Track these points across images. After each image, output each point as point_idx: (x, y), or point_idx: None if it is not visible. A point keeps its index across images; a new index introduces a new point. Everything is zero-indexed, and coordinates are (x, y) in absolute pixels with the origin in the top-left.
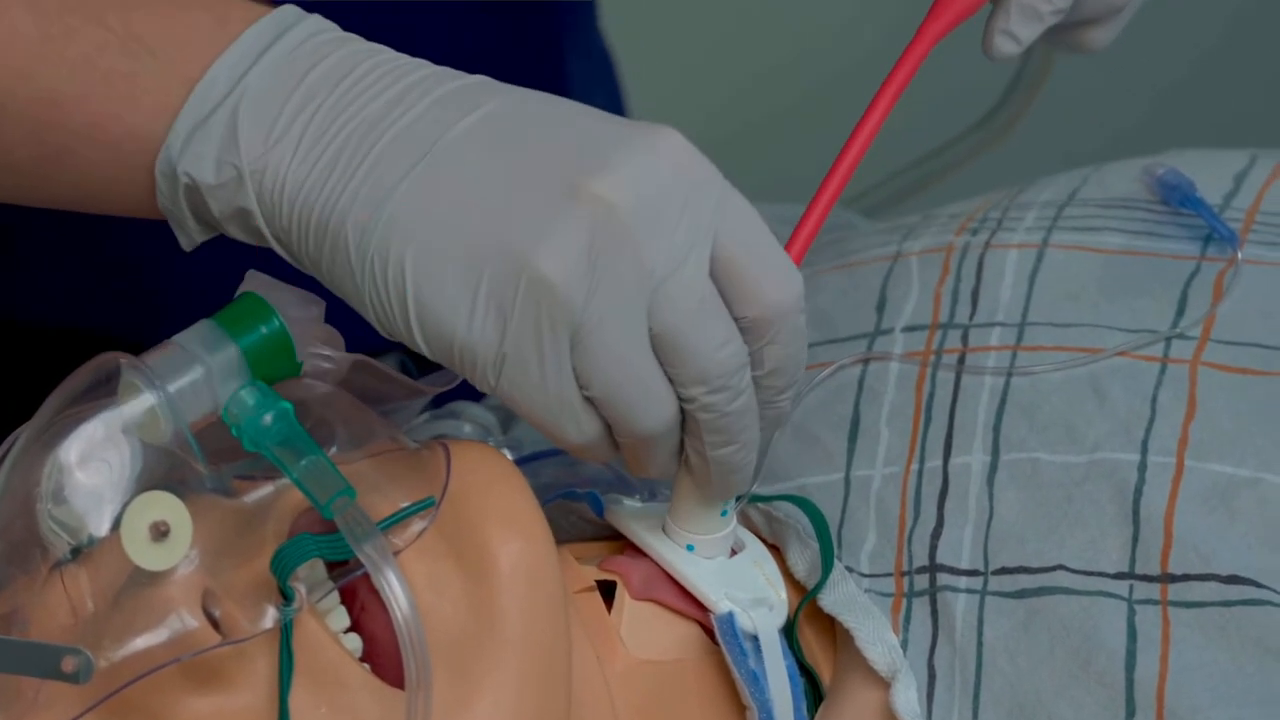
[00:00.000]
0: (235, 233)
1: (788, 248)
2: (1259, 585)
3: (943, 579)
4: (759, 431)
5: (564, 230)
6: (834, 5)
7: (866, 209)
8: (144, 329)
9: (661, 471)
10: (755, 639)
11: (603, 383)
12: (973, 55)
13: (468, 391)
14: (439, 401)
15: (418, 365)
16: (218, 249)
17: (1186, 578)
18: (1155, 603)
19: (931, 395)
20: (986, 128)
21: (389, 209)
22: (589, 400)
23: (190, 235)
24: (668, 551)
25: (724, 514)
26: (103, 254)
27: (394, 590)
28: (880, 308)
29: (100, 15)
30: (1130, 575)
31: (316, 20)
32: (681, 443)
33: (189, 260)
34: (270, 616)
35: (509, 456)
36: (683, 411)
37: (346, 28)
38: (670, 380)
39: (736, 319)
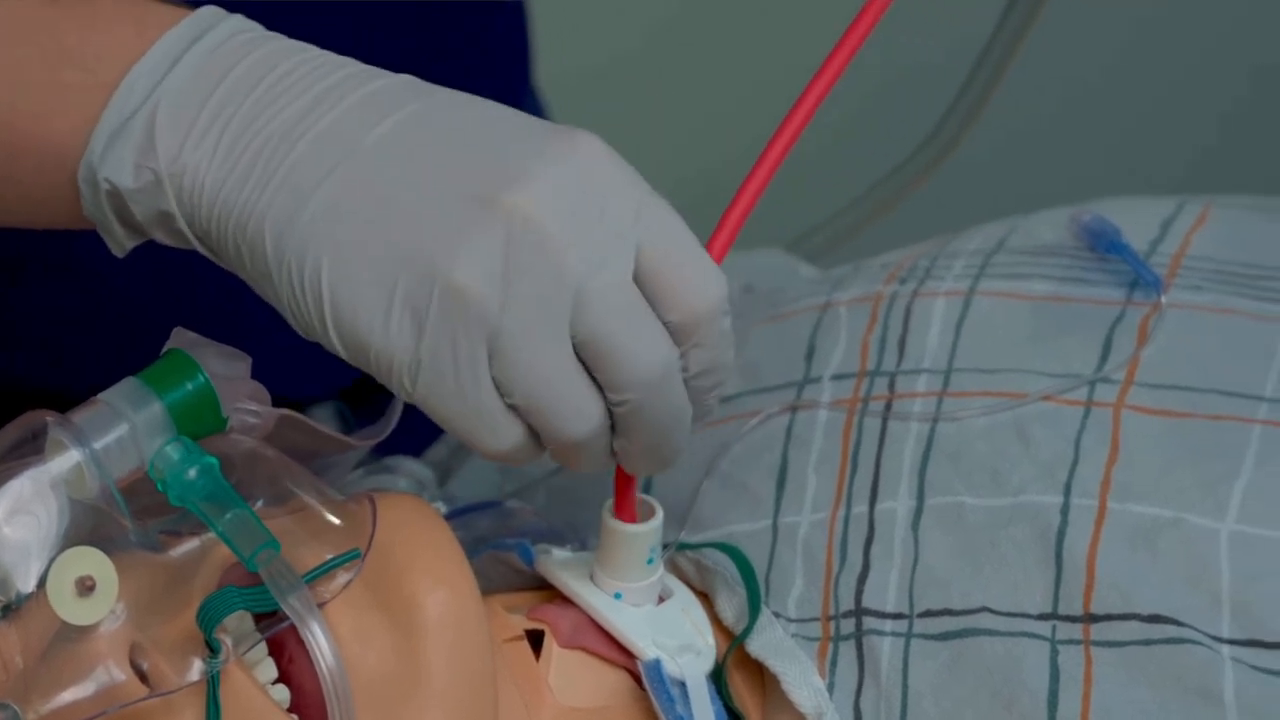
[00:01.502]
0: (160, 236)
1: (709, 246)
2: (1180, 624)
3: (869, 623)
4: (687, 429)
5: (478, 240)
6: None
7: (809, 253)
8: (68, 383)
9: (593, 469)
10: (683, 685)
11: (524, 392)
12: (911, 86)
13: (406, 446)
14: (382, 452)
15: (354, 413)
16: (142, 301)
17: (1109, 617)
18: (1078, 642)
19: (858, 442)
20: (923, 157)
21: (306, 213)
22: (511, 408)
23: (119, 241)
24: (595, 599)
25: (650, 562)
26: (24, 306)
27: (318, 642)
28: (809, 357)
29: (28, 32)
30: (1053, 616)
31: (237, 20)
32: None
33: (116, 313)
34: (197, 669)
35: (442, 510)
36: (611, 412)
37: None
38: (599, 385)
39: (663, 320)
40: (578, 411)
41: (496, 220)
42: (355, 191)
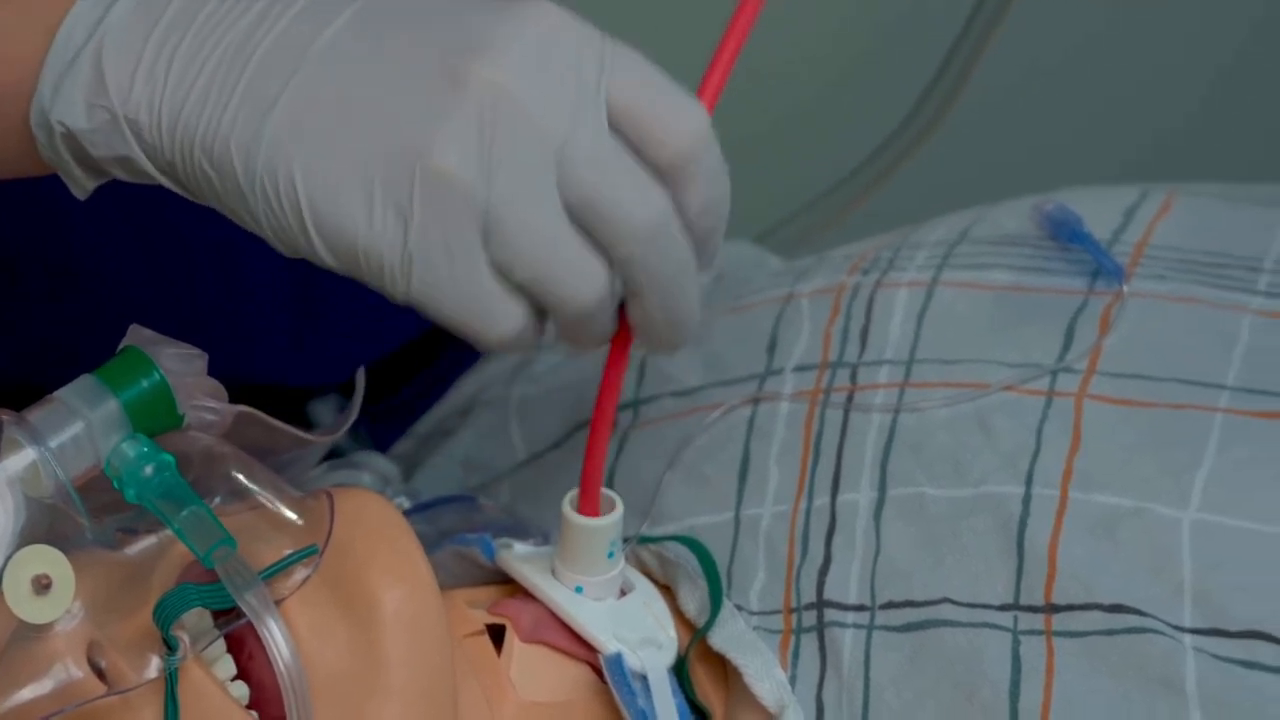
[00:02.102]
0: (121, 174)
1: (698, 93)
2: (1142, 614)
3: (830, 615)
4: (694, 278)
5: (451, 119)
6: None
7: (778, 246)
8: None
9: (599, 340)
10: (645, 678)
11: (526, 265)
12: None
13: (374, 441)
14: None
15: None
16: (142, 301)
17: (1070, 608)
18: (1039, 633)
19: (820, 434)
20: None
21: (270, 125)
22: (515, 287)
23: (80, 183)
24: (556, 594)
25: (611, 555)
26: (23, 306)
27: (275, 638)
28: (771, 349)
29: None
30: (1015, 606)
31: None
32: (620, 306)
33: (115, 313)
34: (155, 666)
35: (406, 505)
36: (618, 274)
37: None
38: (600, 246)
39: (651, 166)
40: (582, 274)
41: (466, 97)
42: (317, 94)
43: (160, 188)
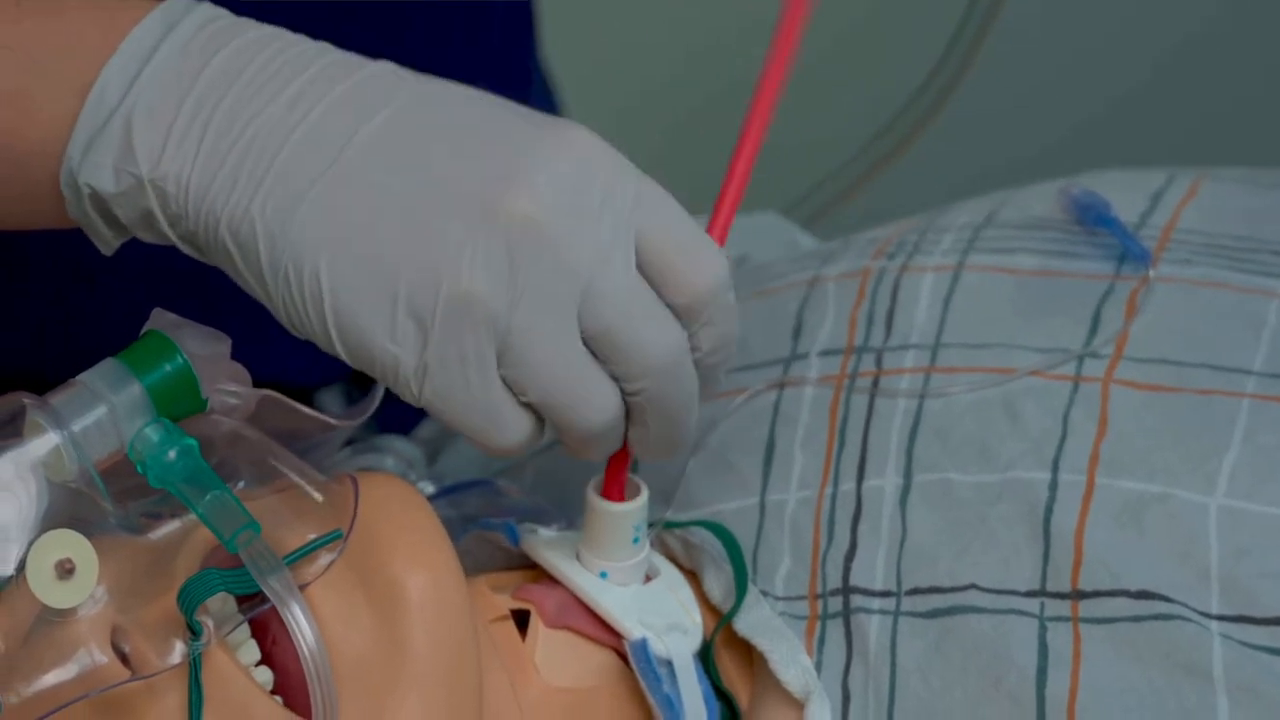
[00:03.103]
0: (145, 237)
1: (709, 229)
2: (1169, 600)
3: (856, 601)
4: (697, 410)
5: (482, 247)
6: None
7: (806, 217)
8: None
9: (604, 456)
10: (670, 664)
11: (540, 390)
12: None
13: (396, 424)
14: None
15: (363, 395)
16: (131, 287)
17: (1097, 594)
18: (1066, 620)
19: (845, 419)
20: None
21: (299, 219)
22: (525, 405)
23: (106, 241)
24: (581, 579)
25: (636, 541)
26: (33, 300)
27: (299, 623)
28: (796, 333)
29: None
30: (1041, 593)
31: (206, 9)
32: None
33: (104, 299)
34: (179, 651)
35: (430, 489)
36: (625, 401)
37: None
38: (612, 375)
39: (668, 306)
40: (596, 405)
41: (497, 224)
42: (349, 193)
43: None
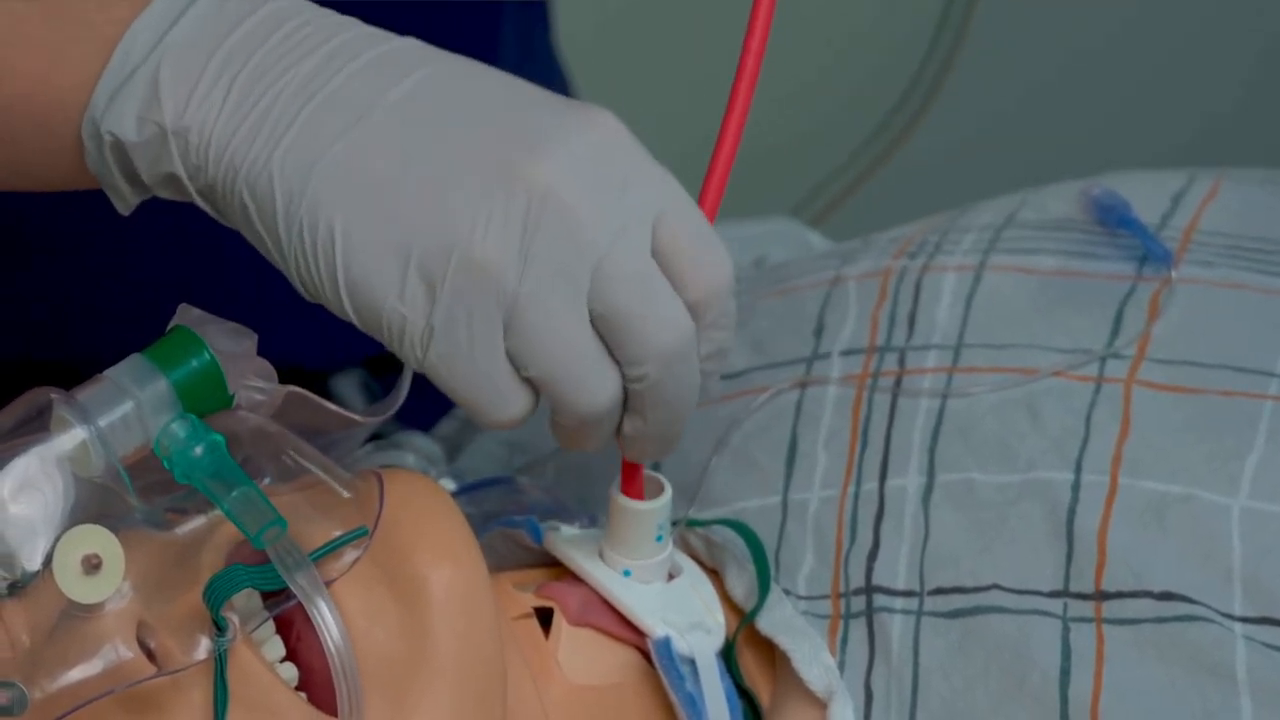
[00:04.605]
0: (164, 192)
1: (700, 202)
2: (1192, 601)
3: (879, 600)
4: (694, 407)
5: (498, 212)
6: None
7: (815, 217)
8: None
9: (595, 449)
10: (693, 663)
11: (542, 364)
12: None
13: (415, 421)
14: (390, 427)
15: (378, 380)
16: (163, 280)
17: (1120, 595)
18: (1089, 620)
19: (868, 418)
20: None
21: (318, 174)
22: (526, 380)
23: (124, 198)
24: (604, 577)
25: (659, 539)
26: (47, 287)
27: (325, 619)
28: (818, 332)
29: None
30: (1064, 593)
31: None
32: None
33: (135, 291)
34: (204, 647)
35: (451, 486)
36: (626, 390)
37: None
38: (614, 359)
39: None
40: (594, 385)
41: (516, 192)
42: (371, 154)
43: None
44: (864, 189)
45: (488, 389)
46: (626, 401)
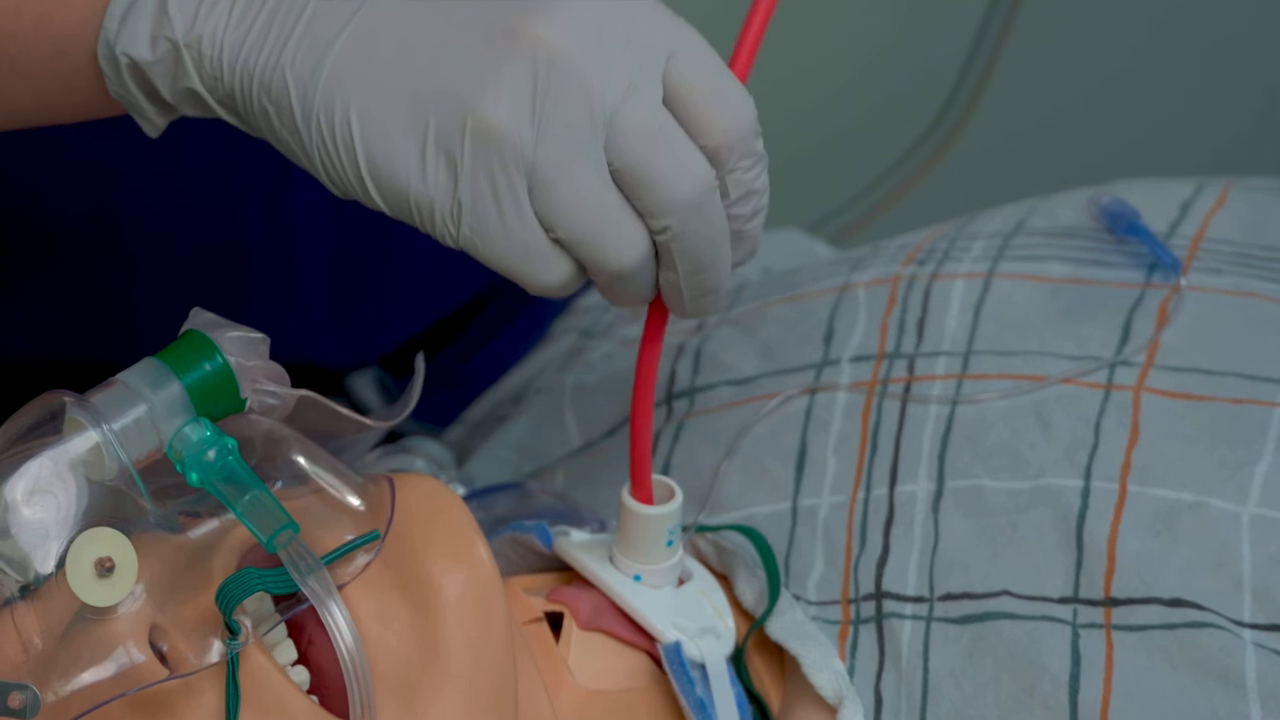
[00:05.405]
0: (187, 109)
1: (730, 67)
2: (1201, 608)
3: (889, 606)
4: (730, 254)
5: (505, 74)
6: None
7: (829, 237)
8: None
9: (638, 300)
10: (703, 667)
11: (568, 224)
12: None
13: (431, 419)
14: (393, 436)
15: (395, 379)
16: (163, 271)
17: (1130, 601)
18: (1099, 627)
19: (878, 424)
20: (934, 137)
21: (329, 63)
22: (557, 242)
23: (150, 120)
24: (615, 582)
25: (670, 544)
26: (70, 285)
27: (337, 623)
28: (828, 339)
29: None
30: (1074, 600)
31: None
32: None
33: (157, 290)
34: (216, 650)
35: (461, 491)
36: (655, 241)
37: None
38: (639, 213)
39: (697, 146)
40: (622, 239)
41: (522, 53)
42: (375, 37)
43: (214, 154)
44: (882, 216)
45: (525, 254)
46: (659, 255)
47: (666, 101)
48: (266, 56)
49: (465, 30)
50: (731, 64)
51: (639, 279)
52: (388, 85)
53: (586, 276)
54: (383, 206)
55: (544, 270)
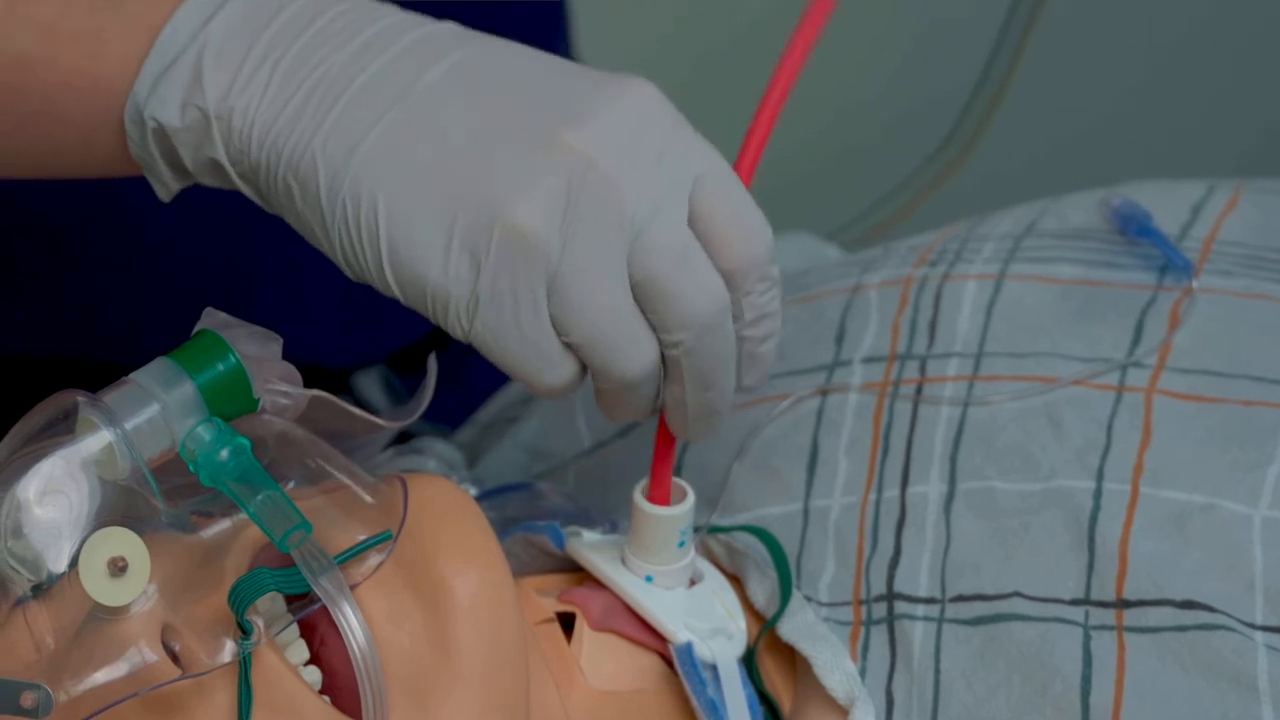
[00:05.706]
0: (205, 178)
1: (735, 168)
2: (1213, 610)
3: (900, 607)
4: (734, 379)
5: (541, 180)
6: None
7: (847, 243)
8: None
9: (637, 415)
10: (715, 668)
11: (584, 330)
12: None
13: (444, 419)
14: (404, 437)
15: (401, 379)
16: (172, 272)
17: (1141, 603)
18: (1110, 628)
19: (889, 426)
20: (954, 144)
21: (362, 152)
22: (567, 346)
23: (165, 184)
24: (626, 582)
25: (681, 544)
26: (74, 283)
27: (350, 623)
28: (839, 339)
29: None
30: (1086, 601)
31: None
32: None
33: (161, 290)
34: (229, 650)
35: (471, 492)
36: (664, 356)
37: None
38: (652, 326)
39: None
40: (634, 349)
41: (557, 162)
42: (412, 131)
43: None
44: (898, 227)
45: (535, 356)
46: (666, 371)
47: (690, 220)
48: (298, 138)
49: (500, 133)
50: (737, 166)
51: (643, 390)
52: (418, 180)
53: (584, 380)
54: (397, 292)
55: (550, 372)
